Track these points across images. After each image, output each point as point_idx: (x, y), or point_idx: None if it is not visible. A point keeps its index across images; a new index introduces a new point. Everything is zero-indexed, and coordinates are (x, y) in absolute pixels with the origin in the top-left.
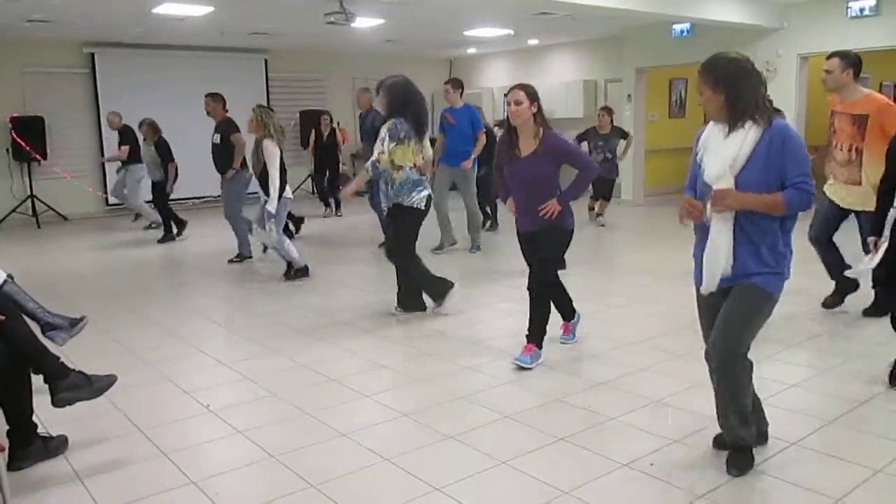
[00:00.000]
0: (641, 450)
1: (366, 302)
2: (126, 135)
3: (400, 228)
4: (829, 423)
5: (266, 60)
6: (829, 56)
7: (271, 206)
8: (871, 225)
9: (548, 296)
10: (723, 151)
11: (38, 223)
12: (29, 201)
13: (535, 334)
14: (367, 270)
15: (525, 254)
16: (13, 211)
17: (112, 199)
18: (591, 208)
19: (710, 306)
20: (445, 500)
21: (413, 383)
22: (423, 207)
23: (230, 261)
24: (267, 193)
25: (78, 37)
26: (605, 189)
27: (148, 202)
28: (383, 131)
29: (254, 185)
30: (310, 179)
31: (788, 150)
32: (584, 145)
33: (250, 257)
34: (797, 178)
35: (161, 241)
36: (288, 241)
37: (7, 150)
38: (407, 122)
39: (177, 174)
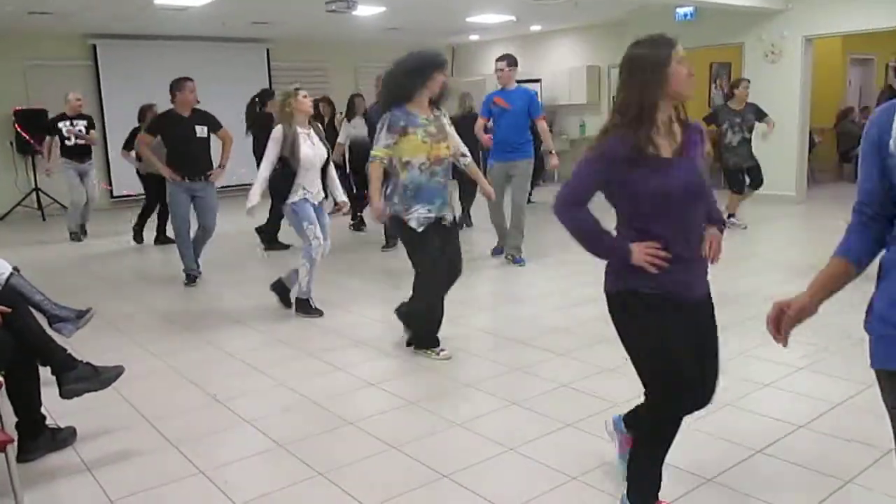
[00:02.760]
0: None
1: (368, 290)
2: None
3: (405, 242)
4: (836, 405)
5: (268, 50)
6: None
7: (253, 194)
8: None
9: None
10: None
11: (42, 216)
12: (34, 194)
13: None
14: (370, 265)
15: (683, 346)
16: (18, 204)
17: (117, 192)
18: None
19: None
20: (453, 487)
21: (419, 371)
22: (417, 229)
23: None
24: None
25: (80, 28)
26: (751, 177)
27: (141, 195)
28: (380, 123)
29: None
30: None
31: None
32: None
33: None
34: None
35: (156, 241)
36: (315, 261)
37: (11, 143)
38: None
39: None
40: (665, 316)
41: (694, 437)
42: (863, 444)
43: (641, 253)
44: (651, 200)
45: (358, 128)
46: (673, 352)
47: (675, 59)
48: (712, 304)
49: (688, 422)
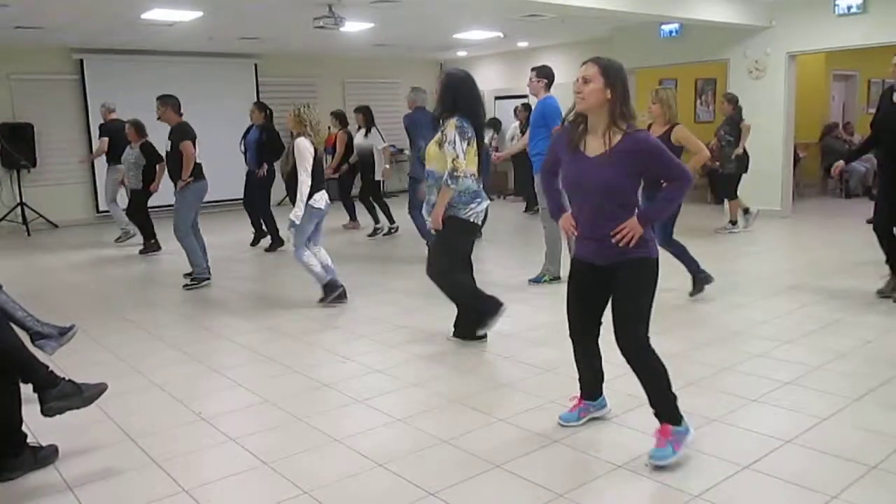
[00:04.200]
0: (637, 450)
1: (358, 306)
2: (109, 128)
3: (448, 242)
4: (823, 420)
5: (256, 65)
6: None
7: (295, 215)
8: None
9: (651, 366)
10: None
11: (27, 231)
12: (18, 209)
13: (666, 413)
14: (372, 279)
15: (579, 300)
16: (2, 219)
17: (102, 207)
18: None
19: None
20: None
21: (407, 388)
22: (479, 222)
23: (185, 286)
24: (293, 200)
25: (66, 43)
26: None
27: (124, 209)
28: (451, 132)
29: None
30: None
31: None
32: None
33: (208, 279)
34: None
35: (143, 251)
36: (309, 254)
37: None
38: (470, 122)
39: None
40: (575, 272)
41: (685, 454)
42: (849, 459)
43: (564, 221)
44: (566, 184)
45: (368, 138)
46: (570, 295)
47: (578, 74)
48: (633, 266)
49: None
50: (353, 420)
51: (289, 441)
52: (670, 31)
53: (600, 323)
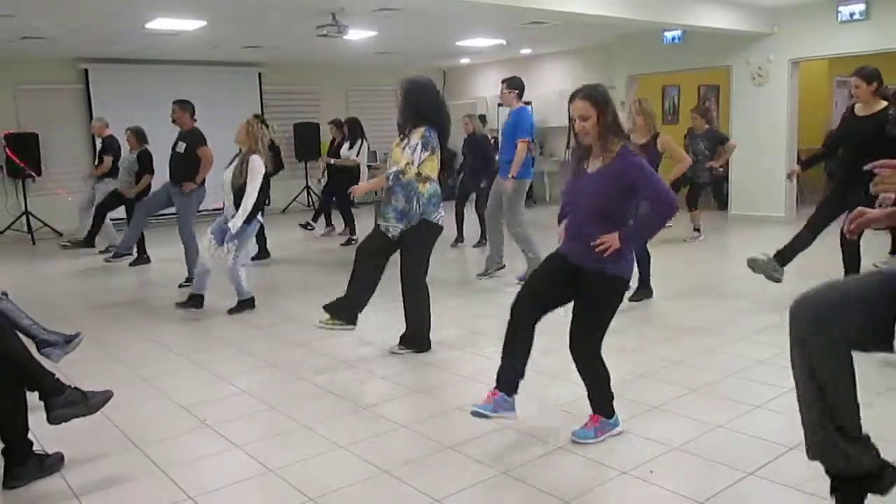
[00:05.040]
0: (641, 457)
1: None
2: (111, 145)
3: (423, 250)
4: None
5: (260, 74)
6: None
7: (235, 224)
8: None
9: (597, 373)
10: None
11: (32, 240)
12: (24, 218)
13: (601, 407)
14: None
15: (547, 280)
16: (8, 228)
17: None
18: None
19: None
20: None
21: (412, 394)
22: (443, 225)
23: (181, 284)
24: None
25: (71, 53)
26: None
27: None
28: (416, 138)
29: (207, 202)
30: (306, 193)
31: None
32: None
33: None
34: None
35: (134, 263)
36: (242, 269)
37: (1, 167)
38: (434, 130)
39: (149, 189)
40: (550, 257)
41: (684, 460)
42: None
43: (560, 228)
44: (566, 198)
45: (353, 151)
46: (535, 272)
47: (573, 113)
48: (602, 279)
49: (677, 444)
50: (359, 427)
51: (294, 448)
52: (673, 38)
53: (546, 311)
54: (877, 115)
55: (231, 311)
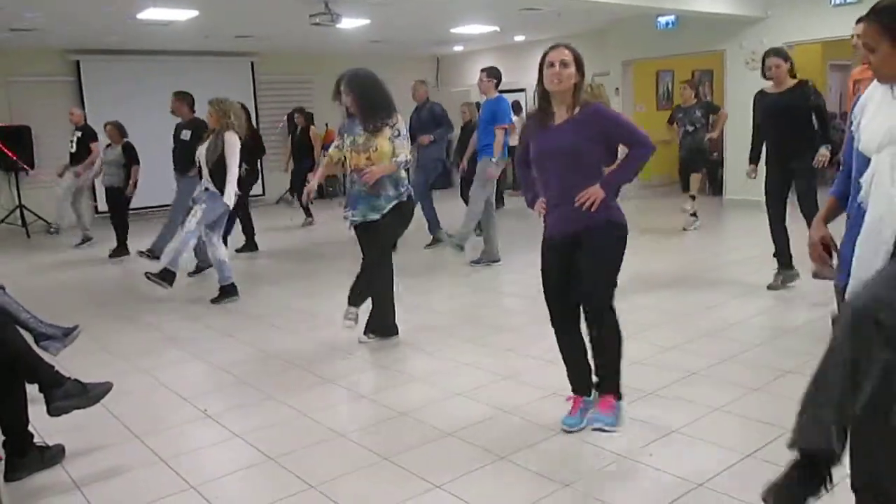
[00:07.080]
0: (641, 440)
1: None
2: (93, 131)
3: (396, 225)
4: None
5: (252, 63)
6: None
7: (229, 198)
8: None
9: (610, 329)
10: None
11: (27, 233)
12: (17, 211)
13: (612, 384)
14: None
15: (554, 275)
16: (2, 221)
17: (102, 207)
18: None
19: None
20: (446, 498)
21: (410, 382)
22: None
23: (190, 273)
24: (220, 189)
25: (62, 44)
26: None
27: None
28: (403, 127)
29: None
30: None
31: None
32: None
33: (210, 266)
34: None
35: (112, 255)
36: (193, 241)
37: None
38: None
39: (137, 181)
40: (546, 257)
41: (683, 443)
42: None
43: (538, 204)
44: (535, 159)
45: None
46: (544, 273)
47: (545, 63)
48: (601, 229)
49: (675, 428)
50: (359, 415)
51: (295, 436)
52: (667, 23)
53: (579, 305)
54: (792, 90)
55: (214, 301)
